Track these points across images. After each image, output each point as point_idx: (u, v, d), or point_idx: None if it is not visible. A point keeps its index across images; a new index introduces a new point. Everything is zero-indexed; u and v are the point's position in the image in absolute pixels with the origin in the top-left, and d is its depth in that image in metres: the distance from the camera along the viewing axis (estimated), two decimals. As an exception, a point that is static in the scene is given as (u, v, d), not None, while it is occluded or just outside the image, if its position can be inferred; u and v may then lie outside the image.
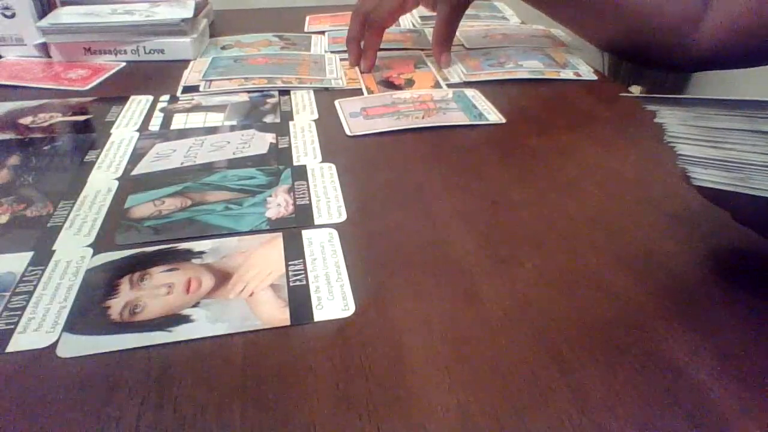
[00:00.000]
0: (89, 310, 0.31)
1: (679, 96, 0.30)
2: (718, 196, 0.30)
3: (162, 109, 0.57)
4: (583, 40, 0.71)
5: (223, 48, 0.75)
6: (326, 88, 0.62)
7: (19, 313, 0.31)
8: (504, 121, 0.54)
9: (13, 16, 0.69)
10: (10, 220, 0.39)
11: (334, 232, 0.38)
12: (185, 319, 0.31)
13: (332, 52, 0.74)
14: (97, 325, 0.30)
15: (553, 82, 0.64)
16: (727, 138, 0.28)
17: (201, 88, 0.61)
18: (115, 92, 0.61)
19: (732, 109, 0.28)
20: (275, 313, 0.31)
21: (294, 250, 0.36)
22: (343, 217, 0.40)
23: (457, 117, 0.54)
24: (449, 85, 0.63)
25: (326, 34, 0.81)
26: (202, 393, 0.27)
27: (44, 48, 0.70)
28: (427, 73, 0.66)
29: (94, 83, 0.64)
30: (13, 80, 0.64)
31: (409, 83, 0.64)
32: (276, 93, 0.61)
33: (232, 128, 0.53)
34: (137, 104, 0.58)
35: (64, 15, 0.69)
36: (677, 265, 0.35)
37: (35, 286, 0.33)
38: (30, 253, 0.36)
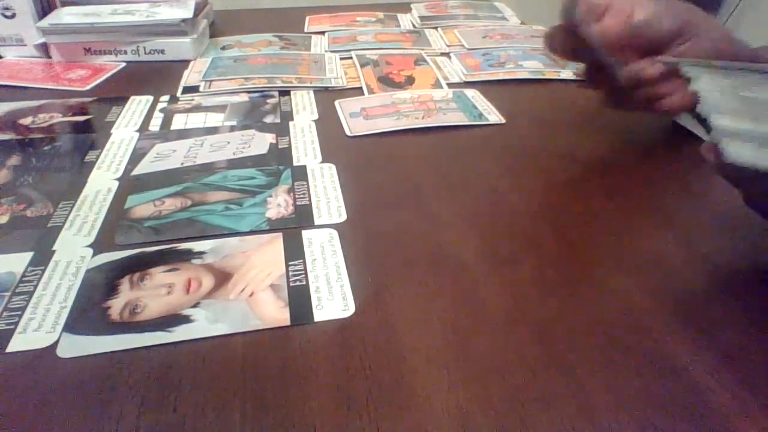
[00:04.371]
0: (89, 310, 0.31)
1: (723, 62, 0.26)
2: (739, 175, 0.27)
3: (162, 110, 0.57)
4: None
5: (223, 48, 0.75)
6: (326, 88, 0.62)
7: (19, 313, 0.31)
8: (504, 121, 0.54)
9: (13, 16, 0.69)
10: (10, 220, 0.39)
11: (334, 233, 0.38)
12: (185, 319, 0.31)
13: (332, 51, 0.74)
14: (97, 325, 0.30)
15: (553, 82, 0.64)
16: None
17: (201, 89, 0.61)
18: (115, 92, 0.61)
19: None
20: (275, 314, 0.31)
21: (294, 251, 0.36)
22: (343, 217, 0.40)
23: (457, 117, 0.54)
24: (449, 85, 0.63)
25: (326, 34, 0.81)
26: (202, 393, 0.27)
27: (44, 48, 0.70)
28: (428, 70, 0.66)
29: (94, 83, 0.64)
30: (13, 80, 0.64)
31: (410, 81, 0.64)
32: (276, 93, 0.61)
33: (232, 128, 0.53)
34: (137, 104, 0.58)
35: (65, 15, 0.69)
36: (677, 265, 0.35)
37: (35, 287, 0.33)
38: (30, 253, 0.36)
